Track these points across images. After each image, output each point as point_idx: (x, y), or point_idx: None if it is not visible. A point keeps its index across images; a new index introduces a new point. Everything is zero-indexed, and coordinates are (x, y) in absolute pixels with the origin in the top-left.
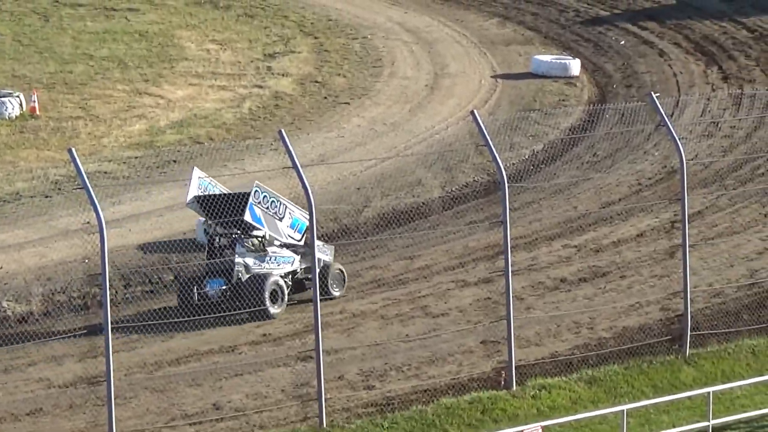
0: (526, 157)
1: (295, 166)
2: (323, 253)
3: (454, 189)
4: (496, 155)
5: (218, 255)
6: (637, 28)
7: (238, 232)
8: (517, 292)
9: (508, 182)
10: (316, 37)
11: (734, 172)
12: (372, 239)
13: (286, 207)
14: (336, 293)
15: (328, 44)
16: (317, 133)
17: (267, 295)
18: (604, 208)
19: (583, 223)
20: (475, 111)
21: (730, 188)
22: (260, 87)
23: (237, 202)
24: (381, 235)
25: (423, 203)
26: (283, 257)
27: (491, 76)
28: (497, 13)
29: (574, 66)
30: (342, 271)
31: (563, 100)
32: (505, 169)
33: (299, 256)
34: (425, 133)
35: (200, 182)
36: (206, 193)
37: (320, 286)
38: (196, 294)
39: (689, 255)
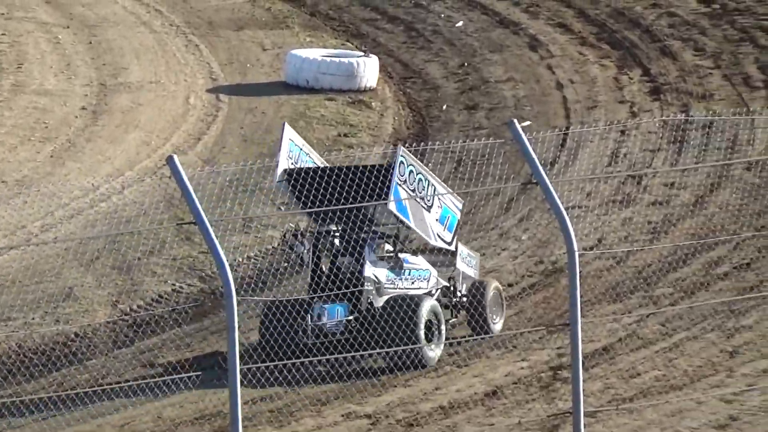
0: (277, 244)
1: None
2: (467, 264)
3: (137, 307)
4: (216, 242)
5: (329, 266)
6: None
7: (338, 228)
8: None
9: (240, 295)
10: None
11: (672, 271)
12: None
13: (434, 188)
14: (497, 326)
15: None
16: None
17: (422, 328)
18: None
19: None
20: (175, 157)
21: (664, 303)
22: None
23: (372, 180)
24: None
25: (76, 334)
26: (418, 270)
27: (209, 90)
28: None
29: (368, 69)
30: (500, 292)
31: (347, 135)
32: (234, 268)
33: (436, 270)
34: (82, 200)
35: (290, 147)
36: (302, 165)
37: (475, 316)
38: (310, 328)
39: None
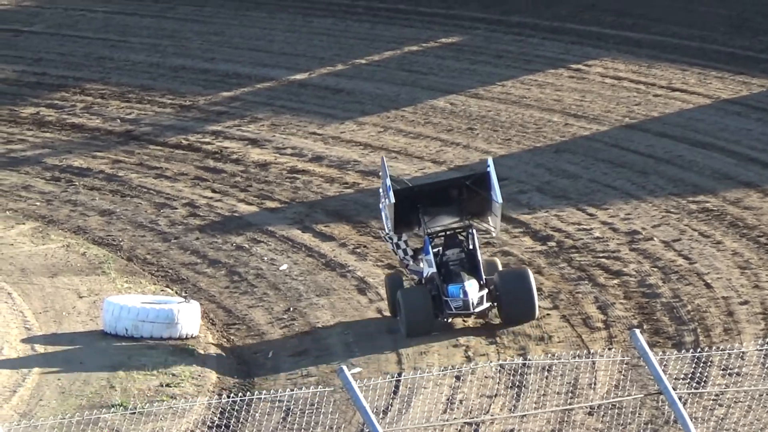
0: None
1: None
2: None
3: None
4: None
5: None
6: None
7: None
8: None
9: None
10: None
11: None
12: None
13: None
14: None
15: None
16: None
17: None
18: None
19: None
20: None
21: None
22: None
23: (479, 185)
24: None
25: None
26: None
27: (23, 340)
28: (36, 213)
29: (189, 315)
30: None
31: (169, 385)
32: None
33: None
34: None
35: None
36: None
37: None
38: (462, 302)
39: None
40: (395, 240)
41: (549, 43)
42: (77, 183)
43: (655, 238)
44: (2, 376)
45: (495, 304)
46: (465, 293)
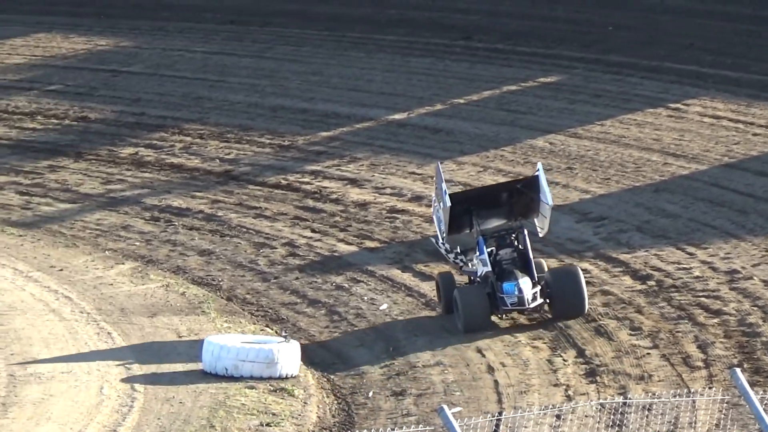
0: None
1: None
2: None
3: None
4: None
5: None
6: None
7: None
8: None
9: None
10: None
11: None
12: None
13: None
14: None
15: None
16: None
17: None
18: None
19: None
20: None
21: None
22: None
23: (530, 188)
24: None
25: None
26: None
27: (123, 379)
28: (135, 253)
29: (289, 355)
30: None
31: (269, 425)
32: None
33: None
34: None
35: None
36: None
37: None
38: (517, 298)
39: None
40: (447, 242)
41: (648, 82)
42: (176, 223)
43: (755, 277)
44: (102, 415)
45: (547, 300)
46: (520, 290)
